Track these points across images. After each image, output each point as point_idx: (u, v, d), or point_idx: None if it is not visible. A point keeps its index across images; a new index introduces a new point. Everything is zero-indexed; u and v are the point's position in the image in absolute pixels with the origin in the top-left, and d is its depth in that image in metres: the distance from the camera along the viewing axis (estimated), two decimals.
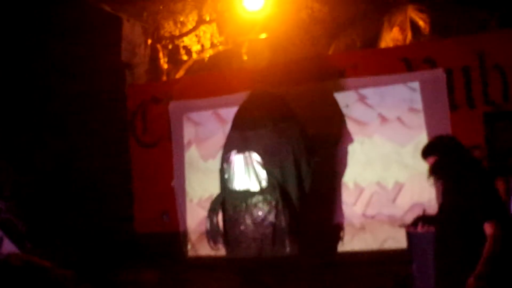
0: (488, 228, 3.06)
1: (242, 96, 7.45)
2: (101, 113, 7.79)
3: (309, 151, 6.69)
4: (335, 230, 7.28)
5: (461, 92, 6.89)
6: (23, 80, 6.87)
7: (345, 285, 6.03)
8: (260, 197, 6.57)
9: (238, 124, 6.95)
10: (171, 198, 8.16)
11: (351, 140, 7.35)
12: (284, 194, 6.46)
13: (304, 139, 6.73)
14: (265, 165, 6.59)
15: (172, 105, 8.31)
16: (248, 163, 6.70)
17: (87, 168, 7.50)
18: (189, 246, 8.03)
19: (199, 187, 8.09)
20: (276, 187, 6.47)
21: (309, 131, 6.90)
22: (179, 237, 8.01)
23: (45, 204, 6.85)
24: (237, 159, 6.77)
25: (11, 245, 4.17)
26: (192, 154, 8.24)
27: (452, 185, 3.26)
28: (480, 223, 3.09)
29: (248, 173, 6.70)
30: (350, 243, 7.26)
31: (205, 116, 8.21)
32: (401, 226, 4.30)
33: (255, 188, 6.64)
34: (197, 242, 7.96)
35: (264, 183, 6.59)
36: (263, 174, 6.62)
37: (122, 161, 8.32)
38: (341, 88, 7.48)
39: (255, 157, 6.66)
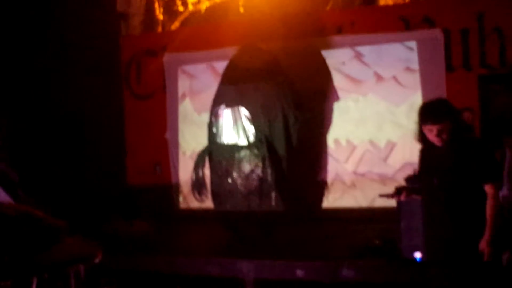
0: (489, 189, 3.15)
1: (237, 49, 7.44)
2: (95, 64, 7.76)
3: (297, 107, 6.71)
4: (320, 186, 7.40)
5: (458, 53, 6.91)
6: (17, 30, 6.82)
7: (332, 240, 6.16)
8: (247, 152, 6.63)
9: (228, 78, 6.95)
10: (164, 150, 8.25)
11: (337, 98, 7.40)
12: (271, 149, 6.51)
13: (292, 95, 6.74)
14: (253, 120, 6.62)
15: (167, 57, 8.30)
16: (236, 118, 6.73)
17: (80, 118, 7.52)
18: (181, 199, 8.16)
19: (193, 140, 8.15)
20: (264, 142, 6.52)
21: (298, 87, 6.91)
22: (171, 189, 8.13)
23: (38, 154, 6.90)
24: (225, 113, 6.80)
25: (3, 194, 4.23)
26: (186, 107, 8.28)
27: (455, 148, 3.30)
28: (478, 186, 3.18)
29: (236, 128, 6.74)
30: (340, 200, 7.38)
31: (200, 69, 8.22)
32: (382, 196, 4.37)
33: (242, 142, 6.69)
34: (189, 195, 8.03)
35: (251, 138, 6.63)
36: (251, 128, 6.66)
37: (116, 112, 8.35)
38: (338, 45, 7.48)
39: (244, 111, 6.69)
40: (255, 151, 6.55)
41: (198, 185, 6.78)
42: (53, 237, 4.03)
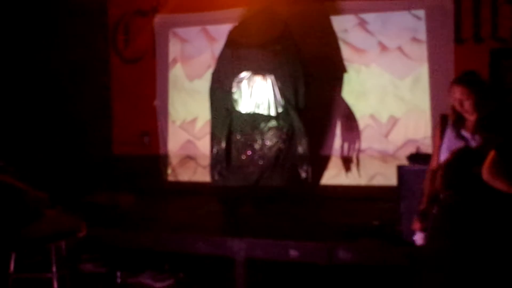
0: None
1: (234, 12, 7.36)
2: (80, 23, 7.67)
3: (305, 75, 6.70)
4: (324, 162, 7.40)
5: (468, 25, 6.84)
6: None
7: (329, 220, 6.18)
8: (274, 122, 6.59)
9: (237, 41, 6.81)
10: (152, 119, 8.19)
11: (344, 70, 7.36)
12: (299, 120, 6.51)
13: (301, 63, 6.72)
14: (282, 88, 6.58)
15: (158, 19, 8.19)
16: (265, 86, 6.67)
17: (63, 82, 7.47)
18: (169, 171, 8.14)
19: (183, 108, 8.11)
20: (291, 112, 6.51)
21: (306, 55, 6.88)
22: (159, 160, 8.11)
23: (18, 121, 6.86)
24: (251, 80, 6.72)
25: None
26: (177, 73, 8.21)
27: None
28: None
29: (265, 97, 6.68)
30: (337, 177, 7.39)
31: (192, 33, 8.13)
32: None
33: (271, 112, 6.65)
34: (178, 167, 8.07)
35: (280, 108, 6.59)
36: (280, 98, 6.62)
37: (102, 77, 8.26)
38: (341, 11, 7.41)
39: (273, 79, 6.63)
40: (282, 121, 6.52)
41: (219, 160, 6.69)
42: (35, 210, 4.02)
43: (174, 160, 8.07)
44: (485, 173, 2.94)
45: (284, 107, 6.56)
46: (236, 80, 6.73)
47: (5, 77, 6.89)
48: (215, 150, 6.75)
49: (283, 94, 6.59)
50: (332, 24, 7.40)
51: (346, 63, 7.40)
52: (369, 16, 7.34)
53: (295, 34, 6.88)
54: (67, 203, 4.92)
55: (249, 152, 6.60)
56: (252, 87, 6.71)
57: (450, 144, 3.44)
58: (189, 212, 6.83)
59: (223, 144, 6.67)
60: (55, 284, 4.50)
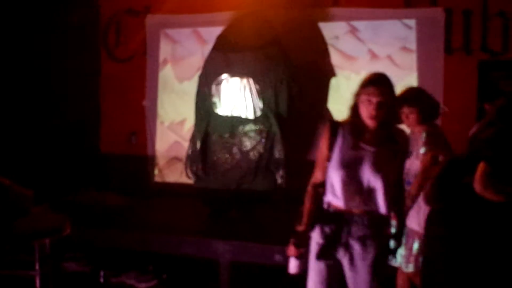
0: None
1: (225, 15, 7.36)
2: (71, 21, 7.65)
3: (293, 79, 6.69)
4: (310, 167, 7.40)
5: (458, 35, 6.90)
6: None
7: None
8: (252, 126, 6.57)
9: (225, 44, 6.84)
10: (140, 119, 8.18)
11: (333, 75, 7.39)
12: (279, 124, 6.48)
13: (288, 67, 6.72)
14: (261, 91, 6.57)
15: (149, 19, 8.19)
16: (244, 89, 6.67)
17: (53, 81, 7.44)
18: (156, 171, 8.13)
19: (172, 109, 8.10)
20: (270, 116, 6.49)
21: (294, 59, 6.88)
22: (147, 160, 8.10)
23: (4, 117, 6.83)
24: (230, 83, 6.72)
25: None
26: (167, 74, 8.20)
27: None
28: None
29: (243, 99, 6.67)
30: None
31: (184, 34, 8.12)
32: None
33: (248, 115, 6.64)
34: (164, 168, 8.06)
35: (259, 111, 6.58)
36: (258, 101, 6.61)
37: (92, 75, 8.25)
38: (332, 18, 7.44)
39: (252, 82, 6.63)
40: (261, 125, 6.50)
41: (194, 160, 6.70)
42: (20, 207, 4.00)
43: (161, 160, 8.06)
44: (477, 185, 2.88)
45: (263, 111, 6.55)
46: (215, 82, 6.74)
47: None
48: (189, 151, 6.76)
49: (262, 98, 6.58)
50: (321, 31, 7.42)
51: (336, 70, 7.42)
52: (360, 24, 7.37)
53: (283, 39, 6.88)
54: (53, 201, 4.91)
55: (226, 155, 6.58)
56: (230, 89, 6.70)
57: (344, 156, 3.16)
58: (174, 213, 6.83)
59: (198, 146, 6.67)
60: (38, 282, 4.50)
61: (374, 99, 3.12)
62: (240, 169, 6.53)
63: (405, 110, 4.23)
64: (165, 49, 8.21)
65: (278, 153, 6.43)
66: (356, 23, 7.38)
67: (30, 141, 6.94)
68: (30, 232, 4.07)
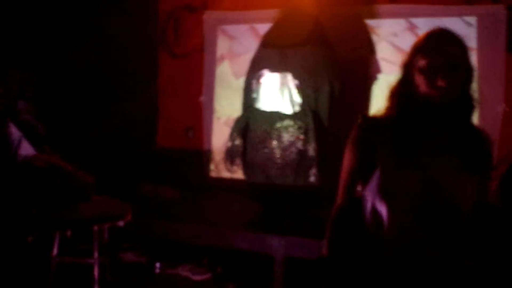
0: None
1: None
2: (131, 18, 7.79)
3: (339, 78, 6.64)
4: None
5: None
6: None
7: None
8: (291, 122, 6.56)
9: (271, 41, 6.86)
10: (197, 114, 8.28)
11: (378, 71, 7.31)
12: (316, 122, 6.45)
13: (332, 65, 6.67)
14: (301, 88, 6.56)
15: (207, 15, 8.28)
16: (283, 84, 6.67)
17: (113, 76, 7.59)
18: (211, 166, 8.20)
19: (228, 105, 8.16)
20: (309, 113, 6.45)
21: (340, 57, 6.83)
22: (203, 155, 8.18)
23: (68, 110, 7.01)
24: (270, 78, 6.74)
25: (29, 148, 4.32)
26: (224, 70, 8.28)
27: None
28: None
29: (282, 94, 6.67)
30: None
31: (241, 30, 8.18)
32: None
33: (287, 111, 6.64)
34: (220, 163, 8.10)
35: (297, 107, 6.57)
36: (297, 97, 6.60)
37: (150, 70, 8.39)
38: (391, 15, 7.37)
39: (291, 78, 6.63)
40: (299, 122, 6.48)
41: (232, 154, 6.76)
42: (82, 192, 4.11)
43: (217, 156, 8.12)
44: None
45: (302, 107, 6.52)
46: (256, 77, 6.75)
47: (56, 71, 7.04)
48: (229, 144, 6.79)
49: (301, 94, 6.55)
50: (368, 28, 7.35)
51: (392, 67, 7.33)
52: (419, 21, 7.27)
53: (331, 37, 6.84)
54: (112, 192, 5.02)
55: (266, 150, 6.58)
56: (269, 84, 6.70)
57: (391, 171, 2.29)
58: (229, 208, 6.89)
59: (237, 141, 6.70)
60: (96, 270, 4.60)
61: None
62: (279, 165, 6.54)
63: None
64: (222, 45, 8.28)
65: (312, 151, 6.39)
66: (415, 20, 7.28)
67: (92, 135, 7.10)
68: (91, 217, 4.16)
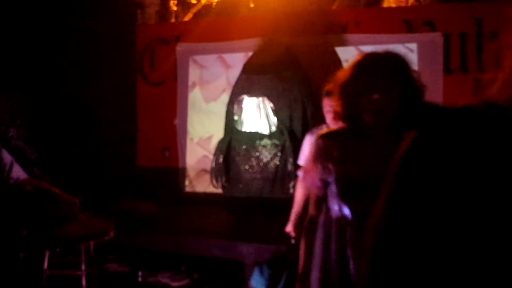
0: None
1: (247, 42, 7.45)
2: (112, 50, 7.79)
3: (313, 102, 6.72)
4: None
5: (456, 57, 6.93)
6: (35, 13, 6.83)
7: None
8: (268, 140, 6.65)
9: (250, 68, 6.97)
10: (172, 136, 8.31)
11: None
12: (292, 139, 6.54)
13: (303, 88, 6.76)
14: (276, 110, 6.65)
15: (180, 47, 8.33)
16: (260, 107, 6.77)
17: (95, 102, 7.56)
18: (186, 182, 8.22)
19: (200, 127, 8.20)
20: (284, 132, 6.57)
21: (313, 82, 6.92)
22: (178, 172, 8.18)
23: (54, 134, 6.94)
24: (249, 102, 6.82)
25: (20, 171, 4.24)
26: (195, 95, 8.32)
27: None
28: None
29: (259, 117, 6.77)
30: None
31: (210, 60, 8.25)
32: None
33: (264, 131, 6.72)
34: (194, 179, 8.13)
35: (274, 127, 6.69)
36: (273, 118, 6.69)
37: (129, 97, 8.42)
38: (342, 43, 7.47)
39: (267, 102, 6.71)
40: (276, 140, 6.57)
41: (217, 172, 6.78)
42: (69, 213, 4.06)
43: (191, 172, 8.15)
44: None
45: (278, 127, 6.63)
46: (236, 101, 6.83)
47: (43, 93, 6.98)
48: (213, 164, 6.88)
49: (276, 115, 6.69)
50: (337, 54, 7.45)
51: None
52: (367, 48, 7.36)
53: (303, 63, 6.93)
54: (96, 209, 4.97)
55: (247, 167, 6.64)
56: (249, 108, 6.82)
57: None
58: (203, 219, 6.87)
59: (221, 159, 6.75)
60: (84, 281, 4.55)
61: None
62: (259, 179, 6.60)
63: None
64: (193, 73, 8.33)
65: (290, 165, 6.46)
66: (363, 47, 7.40)
67: (77, 157, 7.05)
68: (79, 235, 4.12)
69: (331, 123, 3.95)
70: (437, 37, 7.01)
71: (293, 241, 4.20)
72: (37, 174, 6.13)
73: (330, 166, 2.46)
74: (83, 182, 6.69)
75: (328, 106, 3.92)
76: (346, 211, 2.41)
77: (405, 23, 7.17)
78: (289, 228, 4.28)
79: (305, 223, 2.66)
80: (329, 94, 3.30)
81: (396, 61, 2.45)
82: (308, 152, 3.51)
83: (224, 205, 6.95)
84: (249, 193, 6.63)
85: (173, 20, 8.70)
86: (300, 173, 4.14)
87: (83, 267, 4.56)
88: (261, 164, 6.62)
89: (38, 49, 6.93)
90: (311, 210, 2.62)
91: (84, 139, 7.42)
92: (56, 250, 4.53)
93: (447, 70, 6.97)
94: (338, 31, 7.53)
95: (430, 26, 7.06)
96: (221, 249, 5.65)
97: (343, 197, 2.43)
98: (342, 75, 2.48)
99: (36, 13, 6.92)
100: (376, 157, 2.30)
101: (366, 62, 2.46)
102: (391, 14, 7.49)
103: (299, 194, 4.24)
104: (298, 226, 4.02)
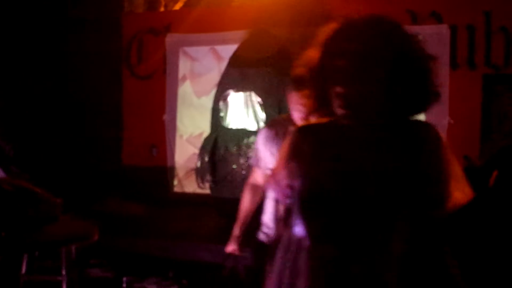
0: None
1: (240, 34, 7.38)
2: (96, 40, 7.72)
3: None
4: None
5: (463, 51, 6.85)
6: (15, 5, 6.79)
7: None
8: (255, 137, 6.58)
9: (237, 62, 6.88)
10: (161, 132, 8.17)
11: None
12: None
13: None
14: (264, 105, 6.59)
15: (169, 38, 8.21)
16: (247, 102, 6.70)
17: (78, 95, 7.51)
18: (175, 182, 8.12)
19: (190, 123, 8.10)
20: None
21: None
22: (166, 172, 8.10)
23: (34, 130, 6.89)
24: (235, 97, 6.75)
25: None
26: (185, 90, 8.20)
27: None
28: None
29: (247, 112, 6.71)
30: None
31: (202, 52, 8.13)
32: None
33: (252, 127, 6.66)
34: (184, 178, 8.05)
35: (261, 124, 6.58)
36: (261, 114, 6.63)
37: (114, 91, 8.27)
38: None
39: (255, 96, 6.66)
40: None
41: (202, 171, 6.73)
42: (50, 214, 4.02)
43: (180, 172, 8.06)
44: None
45: (266, 122, 6.56)
46: (222, 97, 6.78)
47: (22, 87, 6.94)
48: (198, 163, 6.79)
49: (264, 110, 6.58)
50: None
51: None
52: None
53: (294, 56, 6.88)
54: (78, 210, 4.93)
55: (234, 166, 6.59)
56: (235, 104, 6.74)
57: None
58: (192, 222, 6.83)
59: (206, 158, 6.69)
60: (64, 287, 4.50)
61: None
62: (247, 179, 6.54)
63: None
64: (184, 66, 8.22)
65: None
66: None
67: (59, 154, 7.01)
68: (59, 238, 4.08)
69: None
70: (443, 29, 6.92)
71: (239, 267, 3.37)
72: (15, 172, 6.09)
73: (300, 168, 1.88)
74: (65, 181, 6.63)
75: (297, 103, 3.03)
76: (302, 232, 1.84)
77: (409, 13, 7.10)
78: (232, 247, 3.41)
79: (273, 245, 2.09)
80: (299, 86, 2.69)
81: (387, 30, 1.79)
82: (263, 151, 3.08)
83: (214, 207, 6.92)
84: (238, 194, 6.58)
85: (162, 8, 8.64)
86: (249, 176, 3.49)
87: (63, 272, 4.48)
88: (249, 163, 6.59)
89: (17, 40, 6.88)
90: (279, 227, 2.24)
91: (66, 135, 7.36)
92: (35, 253, 4.49)
93: (453, 65, 6.87)
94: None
95: (436, 17, 6.96)
96: (212, 253, 5.61)
97: (303, 212, 1.84)
98: (313, 55, 1.91)
99: (16, 0, 6.88)
100: (362, 161, 1.79)
101: (344, 34, 1.80)
102: (395, 4, 7.40)
103: (247, 202, 3.47)
104: (244, 243, 3.28)
